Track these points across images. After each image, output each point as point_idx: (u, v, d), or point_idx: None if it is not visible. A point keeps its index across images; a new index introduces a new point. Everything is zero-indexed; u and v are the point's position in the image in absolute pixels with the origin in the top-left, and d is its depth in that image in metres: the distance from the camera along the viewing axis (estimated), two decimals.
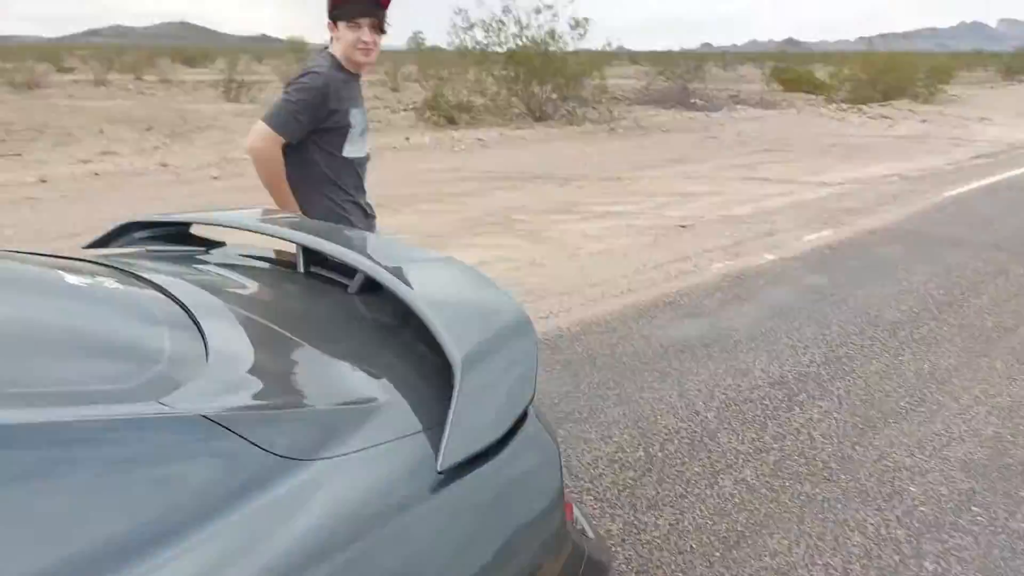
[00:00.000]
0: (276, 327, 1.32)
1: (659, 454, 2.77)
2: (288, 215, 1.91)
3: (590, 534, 1.36)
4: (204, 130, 14.00)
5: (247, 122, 15.41)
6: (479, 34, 16.48)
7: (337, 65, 2.27)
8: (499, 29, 16.48)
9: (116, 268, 1.44)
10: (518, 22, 16.40)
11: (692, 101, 21.73)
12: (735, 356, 3.71)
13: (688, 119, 17.42)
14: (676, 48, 34.18)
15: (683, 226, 6.80)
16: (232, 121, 15.43)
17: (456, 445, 0.95)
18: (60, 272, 1.32)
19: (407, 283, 1.32)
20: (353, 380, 1.15)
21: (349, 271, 1.54)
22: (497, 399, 1.07)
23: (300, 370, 1.15)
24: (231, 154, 10.52)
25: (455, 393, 1.00)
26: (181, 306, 1.25)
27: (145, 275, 1.39)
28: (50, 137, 12.24)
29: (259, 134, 2.15)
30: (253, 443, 0.87)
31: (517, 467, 1.05)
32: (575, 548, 1.17)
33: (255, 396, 1.01)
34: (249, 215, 1.90)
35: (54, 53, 49.79)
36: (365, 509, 0.89)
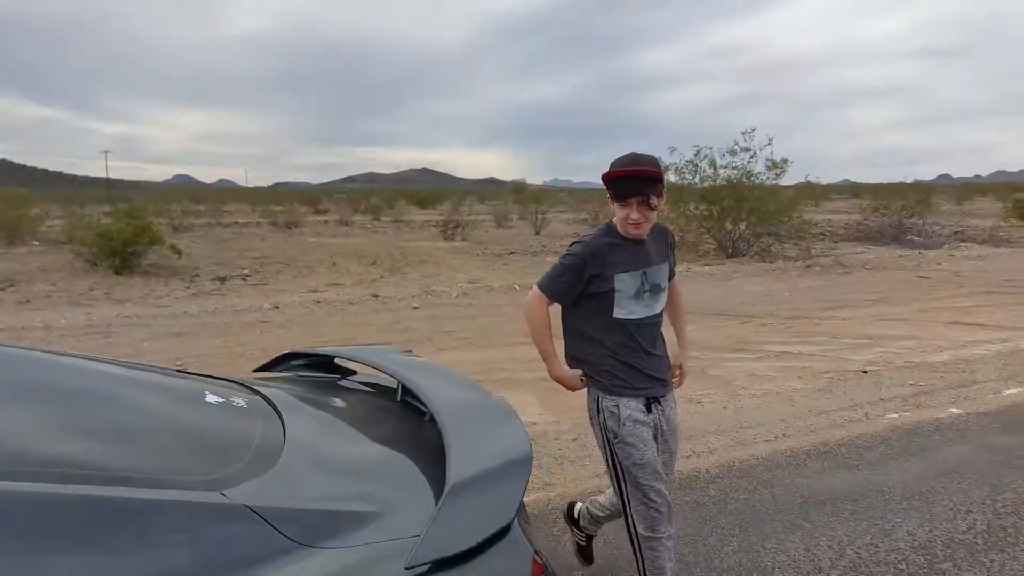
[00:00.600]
0: (349, 442, 1.70)
1: None
2: (400, 355, 2.33)
3: None
4: (419, 264, 15.77)
5: (455, 257, 17.13)
6: (672, 176, 17.12)
7: (611, 232, 2.38)
8: (693, 170, 17.04)
9: (252, 388, 1.92)
10: (712, 163, 16.88)
11: (908, 238, 20.34)
12: (881, 514, 3.46)
13: (898, 257, 16.30)
14: (908, 180, 32.38)
15: (865, 371, 6.41)
16: (444, 257, 17.23)
17: (426, 549, 1.23)
18: (206, 390, 1.81)
19: (452, 417, 1.65)
20: (380, 490, 1.46)
21: None
22: (475, 519, 1.33)
23: (343, 478, 1.49)
24: (434, 287, 11.75)
25: (437, 509, 1.29)
26: (281, 420, 1.67)
27: (269, 396, 1.85)
28: (293, 269, 14.56)
29: (532, 294, 2.43)
30: (277, 529, 1.22)
31: (487, 571, 1.29)
32: None
33: (296, 493, 1.36)
34: (372, 352, 2.36)
35: (315, 197, 59.11)
36: None
